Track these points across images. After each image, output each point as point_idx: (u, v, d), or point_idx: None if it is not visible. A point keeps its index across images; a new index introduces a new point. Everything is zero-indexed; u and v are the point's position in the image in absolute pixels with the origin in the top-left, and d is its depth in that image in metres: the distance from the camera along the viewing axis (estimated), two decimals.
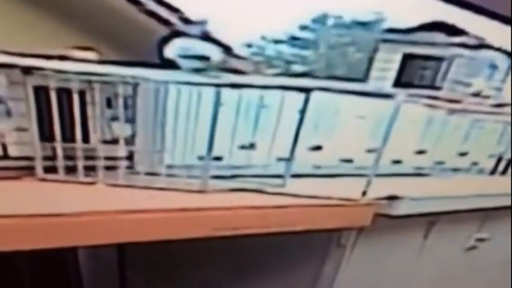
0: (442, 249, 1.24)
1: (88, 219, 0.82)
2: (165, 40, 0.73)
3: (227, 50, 0.76)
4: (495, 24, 0.87)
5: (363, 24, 0.76)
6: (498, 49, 0.93)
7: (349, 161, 0.89)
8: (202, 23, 0.72)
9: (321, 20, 0.75)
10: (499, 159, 1.16)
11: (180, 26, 0.73)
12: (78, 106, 0.79)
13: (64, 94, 0.78)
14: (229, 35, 0.74)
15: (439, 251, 1.23)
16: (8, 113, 0.79)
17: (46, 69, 0.76)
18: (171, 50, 0.74)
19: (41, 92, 0.78)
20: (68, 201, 0.81)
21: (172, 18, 0.72)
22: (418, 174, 0.95)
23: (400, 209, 0.94)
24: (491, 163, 1.16)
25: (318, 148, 0.87)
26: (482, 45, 0.85)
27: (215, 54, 0.76)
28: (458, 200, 1.02)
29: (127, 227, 0.86)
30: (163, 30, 0.73)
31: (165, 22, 0.72)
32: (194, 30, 0.73)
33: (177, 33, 0.73)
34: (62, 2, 0.71)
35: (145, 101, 0.80)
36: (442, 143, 0.89)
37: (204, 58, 0.76)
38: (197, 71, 0.77)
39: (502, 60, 0.93)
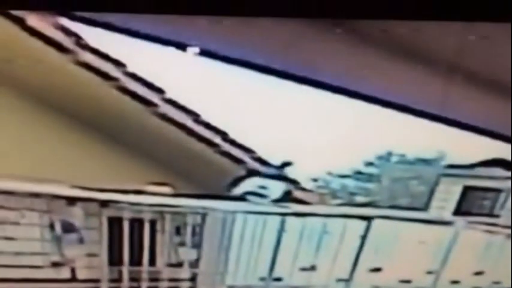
0: None
1: None
2: (240, 179, 0.77)
3: (294, 184, 0.79)
4: None
5: (425, 161, 0.79)
6: None
7: (408, 281, 0.90)
8: (283, 166, 0.76)
9: (385, 157, 0.78)
10: None
11: (254, 165, 0.76)
12: (148, 234, 0.82)
13: (136, 223, 0.82)
14: (297, 171, 0.78)
15: None
16: (81, 241, 0.82)
17: (122, 203, 0.79)
18: (243, 187, 0.78)
19: (114, 222, 0.81)
20: None
21: (246, 158, 0.76)
22: None
23: None
24: None
25: (377, 270, 0.89)
26: None
27: (283, 188, 0.79)
28: None
29: None
30: (237, 169, 0.77)
31: (239, 161, 0.76)
32: (271, 171, 0.77)
33: (251, 172, 0.77)
34: (141, 142, 0.75)
35: (213, 228, 0.82)
36: (499, 265, 0.90)
37: (272, 192, 0.80)
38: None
39: None
